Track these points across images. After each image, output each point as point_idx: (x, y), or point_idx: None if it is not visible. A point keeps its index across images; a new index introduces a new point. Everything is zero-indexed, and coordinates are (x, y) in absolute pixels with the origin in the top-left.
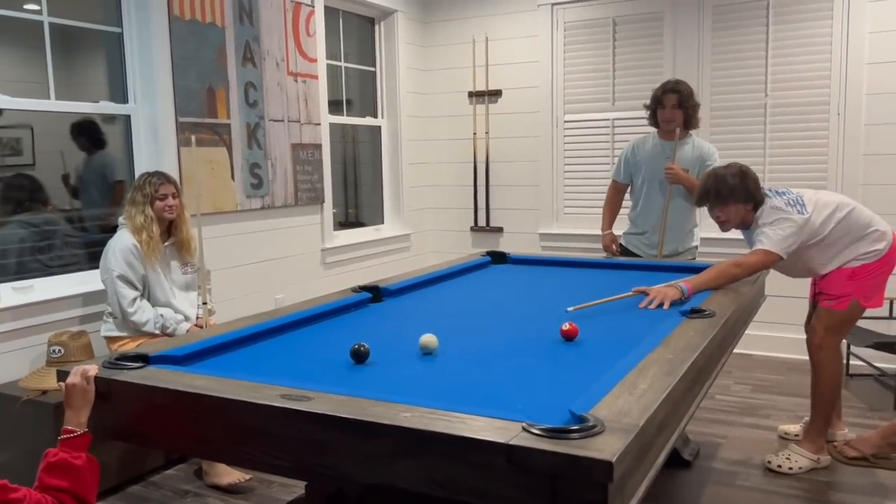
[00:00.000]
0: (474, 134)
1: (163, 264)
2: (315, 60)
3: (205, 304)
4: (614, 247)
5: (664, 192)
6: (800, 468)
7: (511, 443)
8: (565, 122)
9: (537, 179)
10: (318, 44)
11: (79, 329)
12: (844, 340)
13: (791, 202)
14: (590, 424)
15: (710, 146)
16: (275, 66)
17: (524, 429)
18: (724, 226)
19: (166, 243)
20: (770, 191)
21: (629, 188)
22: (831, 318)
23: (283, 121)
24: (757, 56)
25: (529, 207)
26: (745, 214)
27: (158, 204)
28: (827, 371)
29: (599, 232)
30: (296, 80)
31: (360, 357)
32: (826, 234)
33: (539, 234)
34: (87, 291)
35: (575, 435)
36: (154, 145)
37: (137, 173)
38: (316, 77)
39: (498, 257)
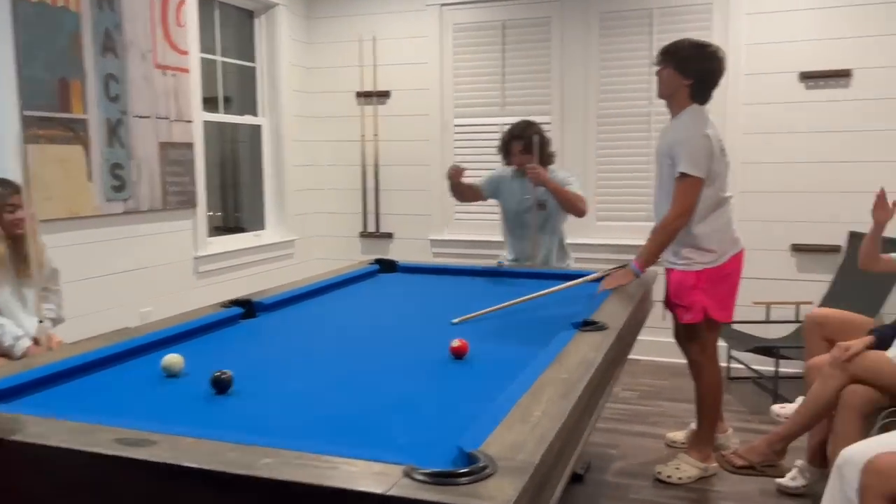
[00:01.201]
0: (363, 136)
1: (6, 278)
2: (186, 53)
3: (41, 321)
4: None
5: (529, 221)
6: (689, 478)
7: (389, 493)
8: (455, 126)
9: (427, 184)
10: (190, 35)
11: None
12: (724, 344)
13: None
14: (480, 465)
15: (565, 174)
16: (140, 57)
17: (406, 474)
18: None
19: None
20: None
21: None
22: (694, 333)
23: (149, 117)
24: (641, 64)
25: (420, 213)
26: None
27: (6, 217)
28: (706, 381)
29: (489, 238)
30: (164, 74)
31: (221, 386)
32: (715, 182)
33: (430, 241)
34: None
35: (463, 479)
36: None
37: None
38: (187, 71)
39: (387, 265)
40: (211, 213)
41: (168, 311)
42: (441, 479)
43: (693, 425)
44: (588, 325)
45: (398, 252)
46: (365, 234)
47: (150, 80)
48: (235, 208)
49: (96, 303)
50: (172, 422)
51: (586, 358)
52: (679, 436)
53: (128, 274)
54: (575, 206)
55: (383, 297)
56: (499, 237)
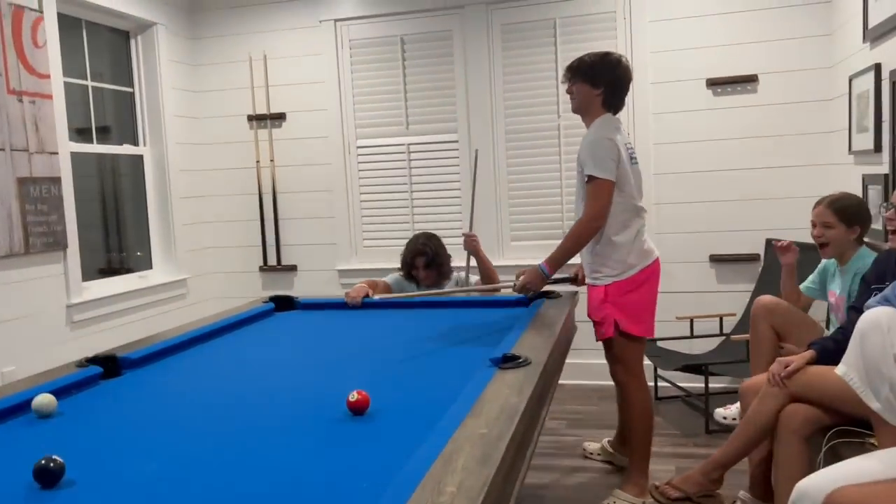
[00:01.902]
0: (258, 162)
1: None
2: (48, 77)
3: None
4: None
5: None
6: None
7: None
8: (358, 147)
9: (332, 211)
10: (51, 57)
11: None
12: (650, 363)
13: None
14: None
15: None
16: None
17: None
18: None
19: None
20: None
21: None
22: (614, 351)
23: (3, 150)
24: (548, 77)
25: (325, 242)
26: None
27: None
28: (635, 407)
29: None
30: (21, 100)
31: (47, 478)
32: (623, 188)
33: (338, 271)
34: None
35: None
36: None
37: None
38: (50, 97)
39: (284, 303)
40: (97, 254)
41: (37, 369)
42: None
43: (606, 441)
44: (509, 360)
45: (303, 286)
46: (266, 268)
47: (4, 108)
48: (120, 248)
49: None
50: None
51: (508, 404)
52: (594, 446)
53: None
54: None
55: (275, 342)
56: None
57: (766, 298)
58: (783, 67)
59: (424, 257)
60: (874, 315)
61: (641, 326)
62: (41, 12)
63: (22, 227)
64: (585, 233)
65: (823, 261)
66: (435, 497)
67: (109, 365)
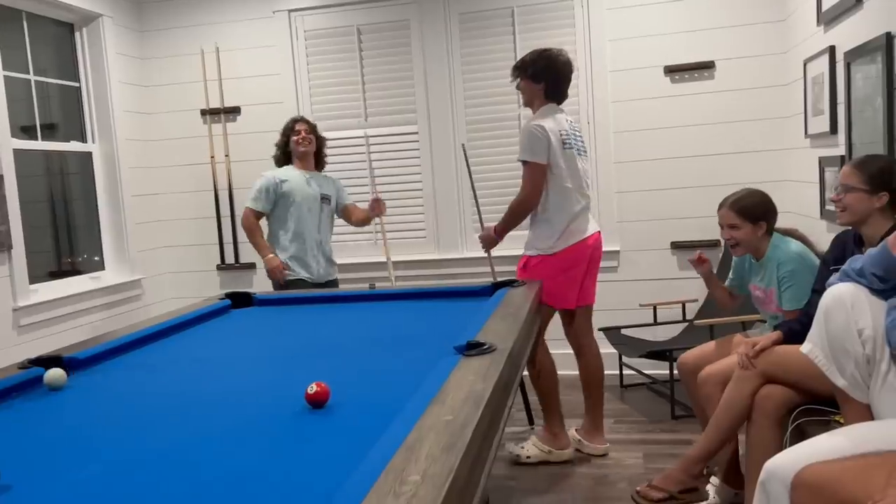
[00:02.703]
0: (212, 157)
1: None
2: None
3: None
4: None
5: (314, 216)
6: (529, 457)
7: None
8: None
9: None
10: None
11: None
12: (615, 350)
13: None
14: None
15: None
16: None
17: None
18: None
19: None
20: None
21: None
22: None
23: None
24: (507, 66)
25: None
26: None
27: None
28: (543, 370)
29: (362, 260)
30: None
31: None
32: (553, 172)
33: None
34: None
35: None
36: None
37: None
38: None
39: (241, 299)
40: (46, 256)
41: None
42: None
43: (574, 429)
44: (473, 347)
45: (264, 283)
46: (223, 267)
47: None
48: (70, 249)
49: None
50: None
51: (473, 391)
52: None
53: None
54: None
55: (232, 338)
56: (373, 258)
57: (689, 357)
58: (739, 53)
59: (305, 123)
60: (837, 292)
61: (552, 298)
62: None
63: None
64: (518, 210)
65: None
66: (398, 486)
67: (54, 366)
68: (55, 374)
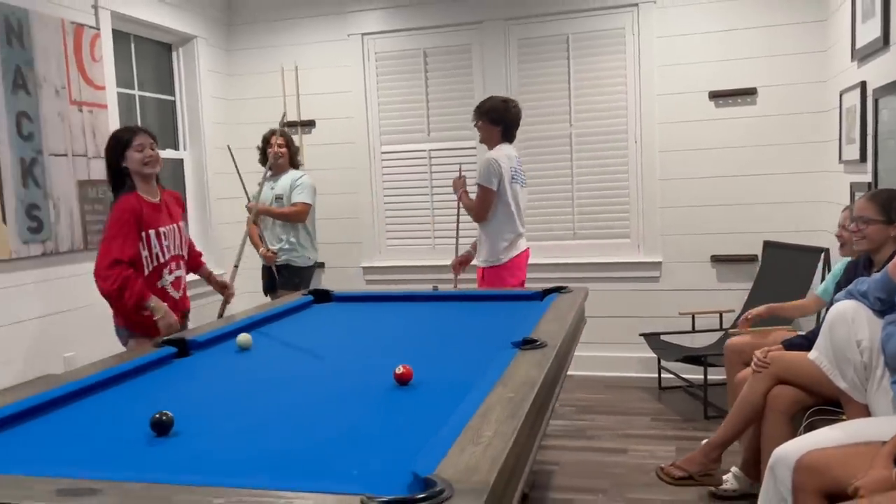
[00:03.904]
0: None
1: None
2: (103, 88)
3: None
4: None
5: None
6: None
7: None
8: (382, 153)
9: (357, 212)
10: (107, 70)
11: None
12: (654, 355)
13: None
14: (437, 490)
15: (299, 174)
16: (54, 93)
17: (363, 503)
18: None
19: None
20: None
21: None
22: None
23: (66, 155)
24: (561, 88)
25: (351, 241)
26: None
27: None
28: None
29: (422, 263)
30: (81, 110)
31: (162, 428)
32: (503, 198)
33: (362, 268)
34: None
35: None
36: None
37: None
38: (105, 106)
39: (321, 295)
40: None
41: (93, 355)
42: None
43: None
44: (528, 343)
45: (330, 281)
46: None
47: (66, 117)
48: None
49: (17, 349)
50: (114, 468)
51: (529, 376)
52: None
53: (49, 318)
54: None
55: (320, 328)
56: (430, 261)
57: (735, 341)
58: (781, 81)
59: (283, 136)
60: (840, 308)
61: None
62: (98, 29)
63: (81, 225)
64: (470, 212)
65: (840, 264)
66: (476, 439)
67: (180, 346)
68: (245, 337)
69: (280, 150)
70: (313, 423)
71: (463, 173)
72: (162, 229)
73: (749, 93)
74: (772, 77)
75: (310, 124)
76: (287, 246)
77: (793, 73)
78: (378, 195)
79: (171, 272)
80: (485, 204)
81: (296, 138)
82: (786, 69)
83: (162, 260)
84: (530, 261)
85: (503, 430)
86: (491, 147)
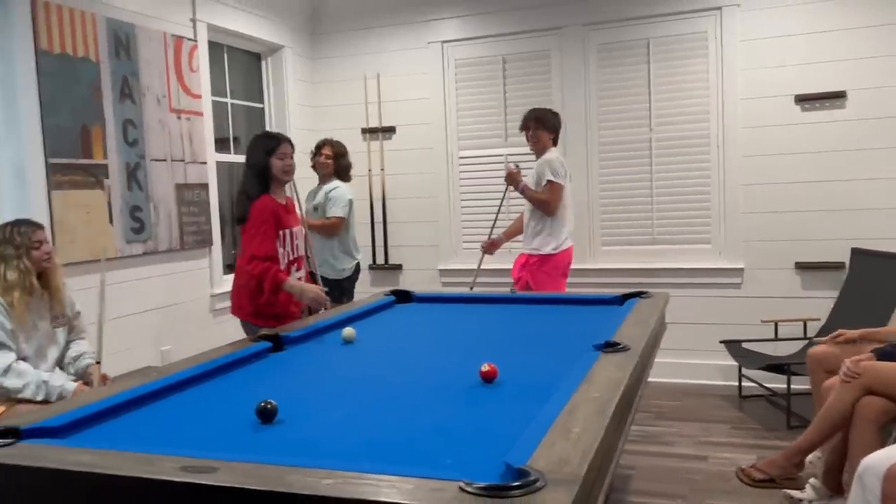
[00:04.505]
0: (369, 170)
1: (39, 314)
2: (199, 97)
3: (97, 362)
4: None
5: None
6: None
7: None
8: (460, 157)
9: (435, 215)
10: (203, 79)
11: None
12: (735, 363)
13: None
14: (531, 479)
15: (334, 185)
16: (156, 102)
17: (461, 489)
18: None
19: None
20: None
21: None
22: None
23: (165, 160)
24: (640, 93)
25: (428, 244)
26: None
27: (35, 254)
28: None
29: (498, 267)
30: (179, 118)
31: (267, 416)
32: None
33: (439, 271)
34: None
35: (516, 492)
36: (20, 190)
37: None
38: (201, 114)
39: (402, 296)
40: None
41: (187, 349)
42: (496, 491)
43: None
44: (610, 346)
45: (408, 283)
46: (374, 267)
47: (166, 124)
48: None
49: (118, 343)
50: (226, 450)
51: (614, 377)
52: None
53: (148, 313)
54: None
55: (404, 327)
56: (504, 264)
57: (818, 350)
58: (871, 84)
59: (333, 146)
60: None
61: (545, 289)
62: (196, 41)
63: (178, 226)
64: (539, 203)
65: None
66: (565, 434)
67: (274, 341)
68: (350, 331)
69: (326, 161)
70: (405, 415)
71: (518, 166)
72: (294, 230)
73: (838, 96)
74: (862, 80)
75: (390, 130)
76: (318, 259)
77: (884, 76)
78: (455, 199)
79: (297, 270)
80: (558, 197)
81: (375, 144)
82: (876, 71)
83: (291, 258)
84: (607, 265)
85: (591, 426)
86: (540, 151)
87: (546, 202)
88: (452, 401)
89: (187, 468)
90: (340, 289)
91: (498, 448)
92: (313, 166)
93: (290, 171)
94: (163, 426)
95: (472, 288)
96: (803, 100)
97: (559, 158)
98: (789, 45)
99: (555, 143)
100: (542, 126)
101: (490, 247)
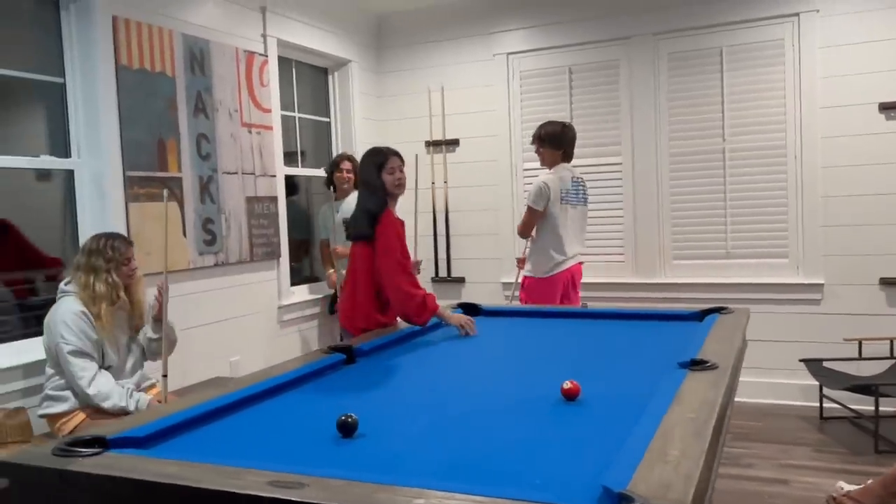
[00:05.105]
0: (433, 183)
1: (116, 331)
2: (269, 111)
3: (164, 376)
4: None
5: (340, 239)
6: None
7: None
8: (524, 170)
9: (497, 228)
10: (272, 94)
11: (17, 406)
12: (816, 382)
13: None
14: None
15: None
16: (228, 116)
17: None
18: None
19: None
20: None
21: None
22: None
23: (236, 173)
24: (713, 102)
25: (490, 257)
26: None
27: (124, 269)
28: None
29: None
30: (249, 132)
31: (348, 430)
32: (550, 220)
33: (501, 284)
34: (28, 363)
35: None
36: (100, 202)
37: (82, 232)
38: (270, 128)
39: (470, 309)
40: (294, 265)
41: (255, 360)
42: None
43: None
44: (697, 364)
45: (470, 295)
46: (437, 279)
47: (237, 138)
48: (310, 258)
49: (190, 353)
50: (309, 464)
51: (707, 397)
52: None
53: (218, 324)
54: None
55: (475, 340)
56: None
57: None
58: None
59: (350, 161)
60: None
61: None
62: (266, 56)
63: (248, 238)
64: (520, 231)
65: None
66: (663, 457)
67: (347, 353)
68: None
69: (347, 176)
70: (488, 431)
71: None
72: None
73: None
74: None
75: (454, 143)
76: None
77: None
78: (518, 212)
79: None
80: (528, 223)
81: (438, 157)
82: None
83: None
84: (679, 279)
85: (690, 450)
86: (551, 168)
87: (520, 225)
88: (534, 418)
89: (275, 483)
90: None
91: (587, 469)
92: (330, 182)
93: (401, 184)
94: (244, 438)
95: (511, 301)
96: (888, 108)
97: (549, 182)
98: (872, 51)
99: (566, 158)
100: (545, 143)
101: (522, 263)
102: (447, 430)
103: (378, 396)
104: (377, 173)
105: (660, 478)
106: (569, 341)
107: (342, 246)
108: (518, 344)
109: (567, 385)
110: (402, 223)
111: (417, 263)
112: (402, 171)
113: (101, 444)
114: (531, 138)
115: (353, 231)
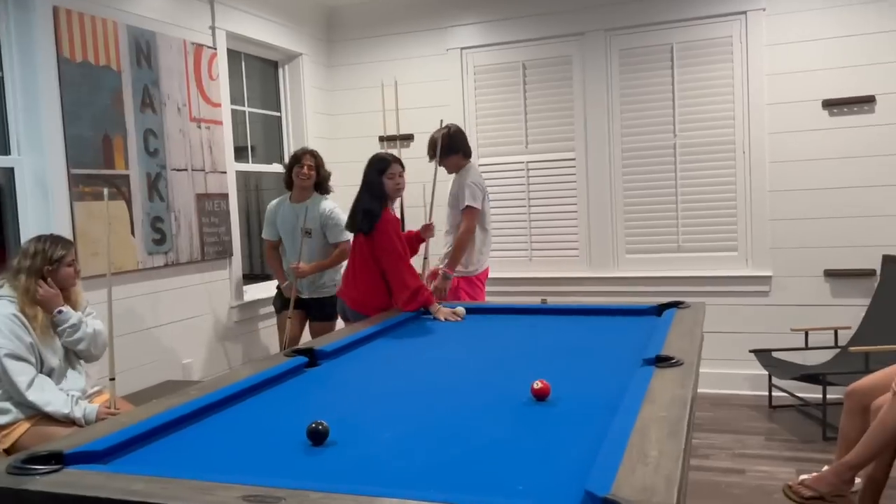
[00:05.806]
0: None
1: (51, 333)
2: (219, 105)
3: (112, 379)
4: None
5: (296, 249)
6: None
7: None
8: (480, 165)
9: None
10: (222, 88)
11: None
12: (766, 372)
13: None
14: None
15: (329, 206)
16: (176, 111)
17: None
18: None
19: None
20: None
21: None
22: None
23: (186, 170)
24: (664, 98)
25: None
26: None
27: (64, 271)
28: None
29: (519, 275)
30: (199, 126)
31: (319, 437)
32: (485, 216)
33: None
34: None
35: None
36: (43, 201)
37: (24, 233)
38: (220, 122)
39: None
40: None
41: (208, 363)
42: None
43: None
44: (663, 360)
45: None
46: None
47: (186, 134)
48: (260, 256)
49: (140, 356)
50: (282, 476)
51: (676, 395)
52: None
53: (169, 326)
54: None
55: (439, 338)
56: (526, 273)
57: (860, 386)
58: None
59: (314, 157)
60: None
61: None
62: (215, 49)
63: (199, 237)
64: (465, 244)
65: None
66: (643, 459)
67: (309, 356)
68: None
69: (309, 173)
70: (463, 434)
71: (430, 222)
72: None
73: (866, 101)
74: (892, 84)
75: (408, 138)
76: (314, 283)
77: None
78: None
79: None
80: (474, 223)
81: (393, 152)
82: None
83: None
84: (631, 273)
85: (668, 449)
86: (461, 171)
87: (466, 232)
88: (508, 419)
89: (250, 498)
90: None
91: (567, 472)
92: (288, 179)
93: (400, 189)
94: (210, 449)
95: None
96: (831, 104)
97: (477, 182)
98: (817, 50)
99: (468, 156)
100: (446, 153)
101: (431, 277)
102: (421, 434)
103: (346, 401)
104: (379, 177)
105: (642, 481)
106: (532, 339)
107: (305, 263)
108: (482, 342)
109: (538, 385)
110: (397, 220)
111: (431, 227)
112: (401, 176)
113: (58, 459)
114: (430, 154)
115: (352, 226)
